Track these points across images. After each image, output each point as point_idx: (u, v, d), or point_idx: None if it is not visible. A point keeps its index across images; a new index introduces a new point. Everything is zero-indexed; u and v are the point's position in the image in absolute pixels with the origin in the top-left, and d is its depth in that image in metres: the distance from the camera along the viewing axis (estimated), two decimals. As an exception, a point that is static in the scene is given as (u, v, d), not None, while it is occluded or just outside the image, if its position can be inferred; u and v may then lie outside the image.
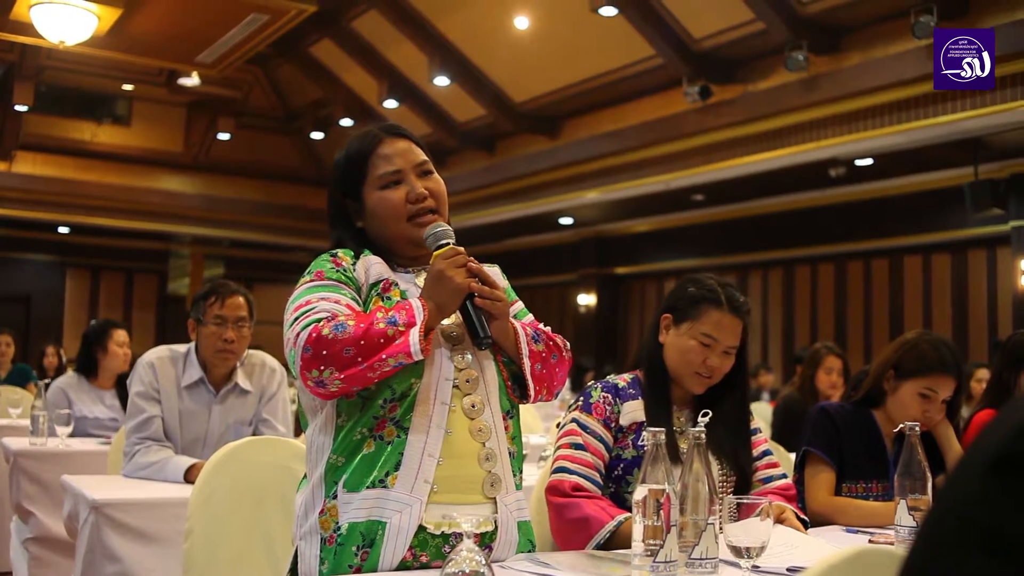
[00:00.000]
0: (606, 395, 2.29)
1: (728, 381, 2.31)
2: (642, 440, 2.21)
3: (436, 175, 1.96)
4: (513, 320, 1.90)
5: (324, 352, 1.67)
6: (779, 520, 2.14)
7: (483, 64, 11.15)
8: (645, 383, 2.32)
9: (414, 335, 1.69)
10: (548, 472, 2.26)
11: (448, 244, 1.84)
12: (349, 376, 1.68)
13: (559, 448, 2.26)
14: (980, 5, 7.48)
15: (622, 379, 2.34)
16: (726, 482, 2.25)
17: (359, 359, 1.67)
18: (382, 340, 1.68)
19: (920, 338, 2.72)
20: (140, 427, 3.20)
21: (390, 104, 11.96)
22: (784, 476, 2.37)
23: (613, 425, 2.26)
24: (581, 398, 2.32)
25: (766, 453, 2.38)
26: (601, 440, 2.23)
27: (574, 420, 2.28)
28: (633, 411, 2.27)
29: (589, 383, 2.39)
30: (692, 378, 2.28)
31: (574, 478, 2.17)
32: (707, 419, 1.88)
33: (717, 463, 2.24)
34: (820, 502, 2.56)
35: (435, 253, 1.82)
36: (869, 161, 9.76)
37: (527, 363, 1.87)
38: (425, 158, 1.96)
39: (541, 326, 1.98)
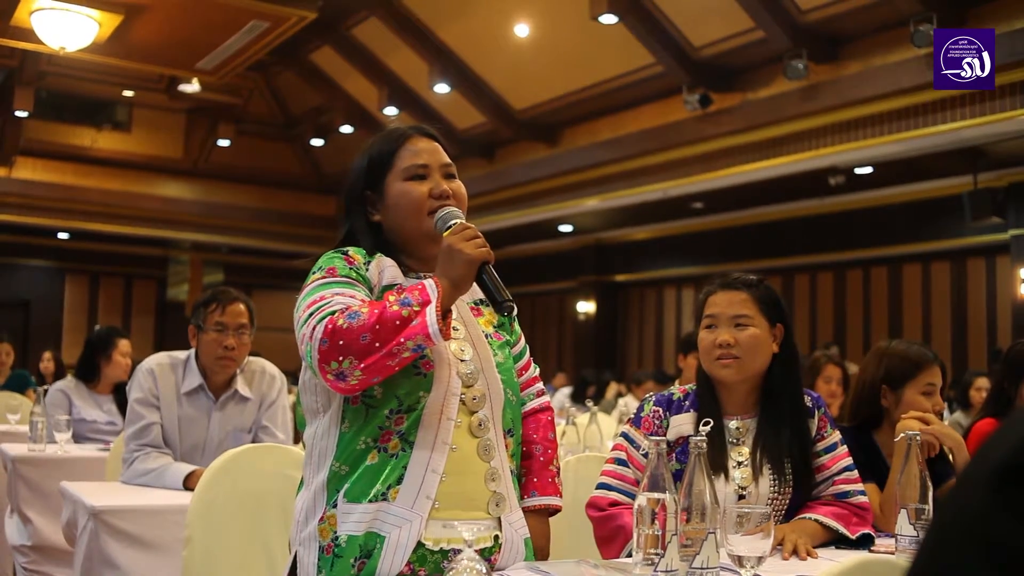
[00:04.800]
0: (656, 409, 2.27)
1: (782, 380, 2.24)
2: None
3: (459, 181, 1.96)
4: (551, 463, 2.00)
5: (341, 342, 1.62)
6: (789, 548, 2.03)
7: (483, 72, 11.16)
8: (696, 394, 2.29)
9: (431, 313, 1.64)
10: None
11: (457, 223, 1.82)
12: (369, 365, 1.63)
13: (606, 463, 2.27)
14: (979, 14, 7.50)
15: (681, 390, 2.32)
16: (781, 491, 2.17)
17: (376, 344, 1.62)
18: (398, 322, 1.63)
19: (890, 345, 2.76)
20: (139, 434, 3.19)
21: (390, 111, 11.97)
22: (862, 493, 2.26)
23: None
24: (634, 411, 2.33)
25: (847, 468, 2.27)
26: (647, 455, 2.23)
27: (623, 434, 2.29)
28: (680, 425, 2.24)
29: (645, 396, 2.39)
30: (714, 365, 2.22)
31: (613, 494, 2.18)
32: (708, 428, 1.87)
33: (771, 471, 2.18)
34: (877, 517, 2.50)
35: (444, 234, 1.80)
36: (868, 169, 9.77)
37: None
38: (450, 161, 1.95)
39: (532, 363, 2.11)
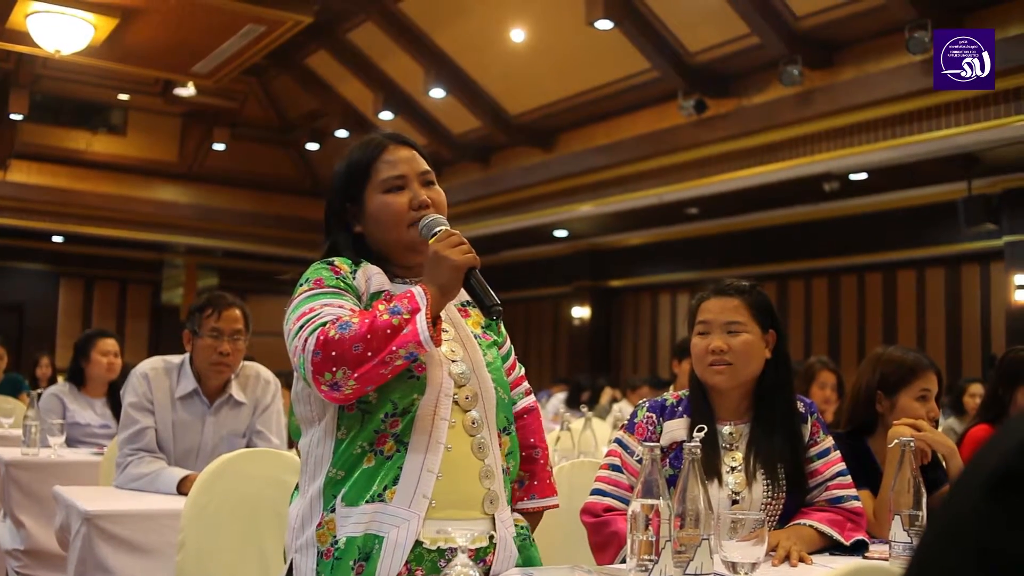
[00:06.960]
0: (650, 415, 2.28)
1: (774, 386, 2.25)
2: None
3: (438, 187, 1.96)
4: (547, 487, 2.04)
5: (334, 353, 1.63)
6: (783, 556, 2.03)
7: (479, 76, 11.17)
8: (689, 399, 2.29)
9: (421, 320, 1.65)
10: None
11: (441, 230, 1.83)
12: (363, 374, 1.64)
13: (600, 468, 2.29)
14: (975, 20, 7.52)
15: (675, 395, 2.33)
16: (774, 496, 2.18)
17: (369, 354, 1.63)
18: (389, 331, 1.64)
19: (885, 351, 2.79)
20: (133, 438, 3.19)
21: (385, 115, 11.96)
22: (856, 498, 2.26)
23: None
24: (628, 417, 2.34)
25: (840, 473, 2.28)
26: (641, 460, 2.23)
27: (617, 440, 2.30)
28: (673, 430, 2.24)
29: (639, 402, 2.40)
30: (707, 371, 2.23)
31: (607, 500, 2.20)
32: (702, 434, 1.88)
33: (765, 476, 2.18)
34: (871, 523, 2.49)
35: (430, 242, 1.81)
36: (863, 176, 9.78)
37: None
38: (428, 168, 1.96)
39: (518, 364, 2.11)
